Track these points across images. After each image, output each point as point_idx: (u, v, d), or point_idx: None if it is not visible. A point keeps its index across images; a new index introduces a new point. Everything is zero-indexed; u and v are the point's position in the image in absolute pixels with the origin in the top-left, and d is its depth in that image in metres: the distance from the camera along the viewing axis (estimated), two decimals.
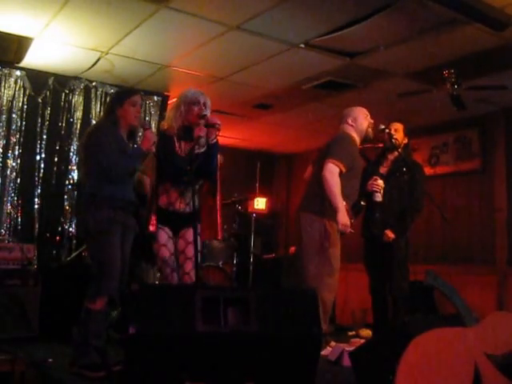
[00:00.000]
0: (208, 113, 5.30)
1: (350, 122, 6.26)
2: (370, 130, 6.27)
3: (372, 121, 6.31)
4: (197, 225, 4.98)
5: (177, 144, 5.28)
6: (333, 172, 5.85)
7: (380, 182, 6.49)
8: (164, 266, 5.21)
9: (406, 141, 6.84)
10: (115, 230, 4.82)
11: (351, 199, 6.08)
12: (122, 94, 5.19)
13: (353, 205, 6.16)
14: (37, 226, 7.94)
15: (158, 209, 5.28)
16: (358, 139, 6.25)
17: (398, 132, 6.71)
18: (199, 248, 5.21)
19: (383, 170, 6.76)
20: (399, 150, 6.62)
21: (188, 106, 5.28)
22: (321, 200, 5.92)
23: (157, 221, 5.26)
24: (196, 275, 4.94)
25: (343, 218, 5.78)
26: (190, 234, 5.27)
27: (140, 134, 5.84)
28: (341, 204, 5.79)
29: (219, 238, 5.60)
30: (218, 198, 5.55)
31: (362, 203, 6.47)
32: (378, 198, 6.49)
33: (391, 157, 6.76)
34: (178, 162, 5.16)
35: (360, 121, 6.26)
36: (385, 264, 6.61)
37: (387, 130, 6.47)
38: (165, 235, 5.25)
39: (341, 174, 5.88)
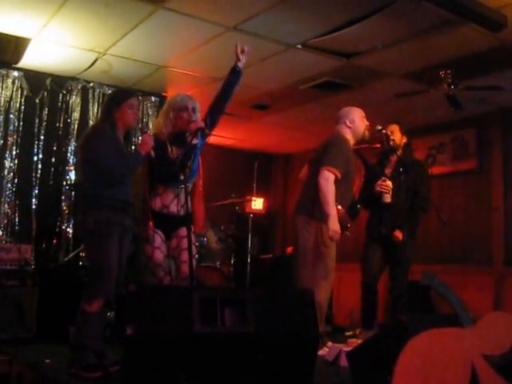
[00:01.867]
0: (197, 117, 5.32)
1: (347, 123, 6.22)
2: (366, 132, 6.27)
3: (368, 123, 6.31)
4: (191, 228, 4.99)
5: (169, 148, 5.29)
6: (328, 179, 5.84)
7: (388, 182, 6.50)
8: (158, 269, 5.22)
9: (404, 140, 6.85)
10: (113, 232, 4.81)
11: (345, 203, 6.08)
12: (120, 96, 5.16)
13: (349, 208, 6.17)
14: (34, 226, 7.94)
15: (151, 212, 5.28)
16: (352, 141, 6.23)
17: (394, 133, 6.71)
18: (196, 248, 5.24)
19: (388, 171, 6.77)
20: (397, 151, 6.64)
21: (177, 113, 5.31)
22: (316, 203, 5.91)
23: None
24: (191, 278, 4.94)
25: (334, 224, 5.77)
26: (182, 230, 5.28)
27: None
28: (333, 211, 5.78)
29: (198, 230, 5.62)
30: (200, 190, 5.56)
31: (359, 206, 6.47)
32: (387, 199, 6.50)
33: (393, 158, 6.77)
34: (171, 165, 5.19)
35: (357, 123, 6.23)
36: (389, 264, 6.65)
37: (384, 131, 6.47)
38: (159, 238, 5.25)
39: (336, 179, 5.88)
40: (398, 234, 6.55)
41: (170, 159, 5.23)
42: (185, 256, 5.25)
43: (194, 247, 5.29)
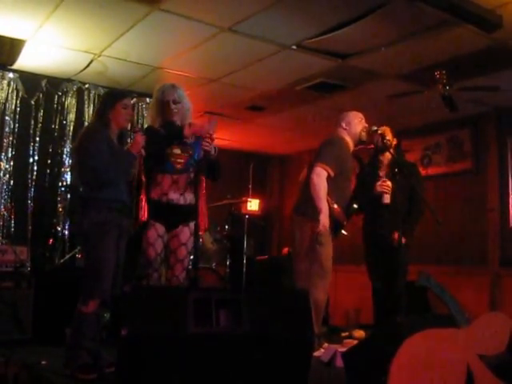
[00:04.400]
0: (183, 104, 5.40)
1: (343, 125, 6.29)
2: (363, 133, 6.29)
3: (366, 125, 6.33)
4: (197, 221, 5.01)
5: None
6: (320, 175, 5.88)
7: (389, 183, 6.48)
8: (147, 267, 5.23)
9: (395, 142, 6.86)
10: (110, 232, 4.81)
11: (342, 202, 6.08)
12: (114, 96, 5.16)
13: (346, 207, 6.18)
14: (30, 228, 7.93)
15: (150, 202, 5.25)
16: (351, 143, 6.26)
17: (386, 133, 6.72)
18: (187, 264, 5.26)
19: (382, 172, 6.76)
20: (391, 150, 6.63)
21: (162, 106, 5.36)
22: (311, 203, 5.93)
23: (148, 215, 5.26)
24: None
25: (325, 219, 5.79)
26: (184, 234, 5.28)
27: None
28: (324, 207, 5.80)
29: (201, 232, 5.65)
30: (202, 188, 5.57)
31: (355, 206, 6.47)
32: (387, 199, 6.48)
33: (384, 159, 6.76)
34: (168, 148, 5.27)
35: (353, 125, 6.27)
36: (389, 265, 6.64)
37: (379, 132, 6.47)
38: (154, 233, 5.23)
39: (329, 177, 5.90)
40: (397, 237, 6.55)
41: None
42: (178, 270, 5.27)
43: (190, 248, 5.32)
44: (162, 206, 5.24)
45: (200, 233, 5.55)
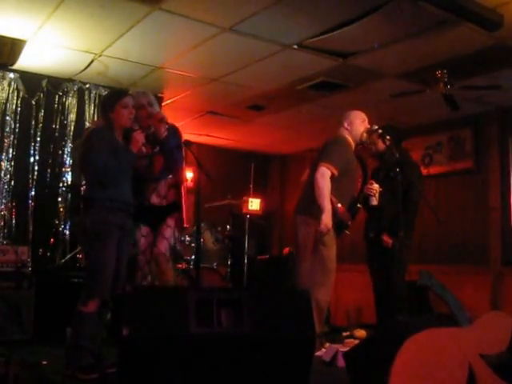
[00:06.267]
0: (156, 109, 5.56)
1: (345, 125, 6.30)
2: (365, 135, 6.30)
3: (369, 126, 6.33)
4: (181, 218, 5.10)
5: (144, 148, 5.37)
6: (324, 175, 5.89)
7: (375, 186, 6.49)
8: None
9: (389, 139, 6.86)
10: (111, 233, 4.81)
11: (346, 201, 6.09)
12: (113, 97, 5.16)
13: (349, 207, 6.18)
14: (31, 228, 7.92)
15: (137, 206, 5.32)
16: (353, 143, 6.27)
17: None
18: (172, 242, 5.34)
19: (382, 173, 6.78)
20: (393, 150, 6.62)
21: (136, 112, 5.29)
22: (316, 203, 5.93)
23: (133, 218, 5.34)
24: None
25: (327, 219, 5.80)
26: (168, 231, 5.46)
27: None
28: (327, 206, 5.82)
29: (185, 225, 5.68)
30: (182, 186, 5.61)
31: (359, 205, 6.47)
32: (373, 201, 6.50)
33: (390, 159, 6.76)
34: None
35: (355, 125, 6.29)
36: (384, 265, 6.64)
37: (380, 131, 6.46)
38: (138, 234, 5.48)
39: (333, 177, 5.90)
40: (387, 239, 6.56)
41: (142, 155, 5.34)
42: (166, 234, 5.35)
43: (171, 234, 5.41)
44: (145, 209, 5.39)
45: (185, 225, 5.60)
